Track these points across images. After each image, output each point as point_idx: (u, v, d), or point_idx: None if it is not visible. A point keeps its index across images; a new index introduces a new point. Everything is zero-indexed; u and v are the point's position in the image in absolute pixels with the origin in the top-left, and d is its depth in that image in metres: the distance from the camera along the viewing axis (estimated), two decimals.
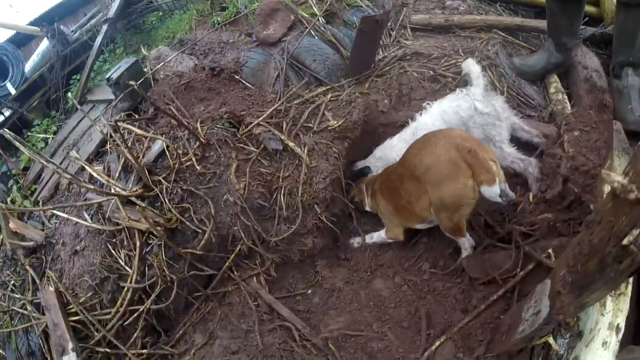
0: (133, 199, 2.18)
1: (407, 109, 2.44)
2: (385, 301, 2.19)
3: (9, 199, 2.79)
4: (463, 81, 2.45)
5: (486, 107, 2.16)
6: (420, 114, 2.29)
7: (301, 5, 2.95)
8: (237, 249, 2.22)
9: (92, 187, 2.14)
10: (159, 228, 2.07)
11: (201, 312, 2.22)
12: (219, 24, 3.04)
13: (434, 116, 2.21)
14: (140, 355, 2.09)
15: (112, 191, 2.16)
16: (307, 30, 2.68)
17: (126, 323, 2.11)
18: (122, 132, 2.46)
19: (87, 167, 2.23)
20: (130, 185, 2.25)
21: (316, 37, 2.75)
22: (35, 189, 2.76)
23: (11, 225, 2.53)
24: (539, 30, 2.78)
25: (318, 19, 2.79)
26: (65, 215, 2.26)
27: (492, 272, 1.99)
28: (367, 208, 2.44)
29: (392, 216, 2.28)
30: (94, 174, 2.22)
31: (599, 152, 2.17)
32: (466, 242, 2.09)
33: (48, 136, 2.98)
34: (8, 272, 2.55)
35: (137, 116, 2.70)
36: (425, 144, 1.92)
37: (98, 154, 2.67)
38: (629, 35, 2.19)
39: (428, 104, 2.28)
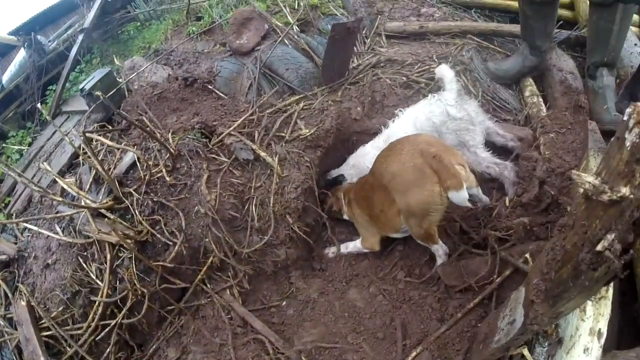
0: (103, 211, 2.16)
1: (380, 116, 2.44)
2: (361, 312, 2.17)
3: None
4: (436, 87, 2.45)
5: (459, 112, 2.15)
6: (393, 121, 2.28)
7: (276, 14, 2.94)
8: (209, 261, 2.20)
9: (61, 199, 2.12)
10: (129, 241, 2.06)
11: (174, 326, 2.20)
12: (194, 33, 3.03)
13: (406, 123, 2.21)
14: None
15: (83, 203, 2.14)
16: (280, 38, 2.67)
17: (98, 338, 2.09)
18: (93, 143, 2.45)
19: (58, 180, 2.21)
20: (101, 198, 2.24)
21: (290, 46, 2.74)
22: (9, 201, 2.73)
23: None
24: (514, 35, 2.79)
25: (292, 28, 2.78)
26: (37, 229, 2.24)
27: (469, 279, 1.97)
28: (345, 217, 2.42)
29: (369, 225, 2.26)
30: (65, 187, 2.20)
31: (575, 154, 2.15)
32: (440, 249, 2.08)
33: (23, 147, 2.96)
34: None
35: (110, 127, 2.68)
36: (391, 151, 1.91)
37: (71, 166, 2.64)
38: (603, 36, 2.18)
39: (400, 110, 2.27)
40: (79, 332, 2.10)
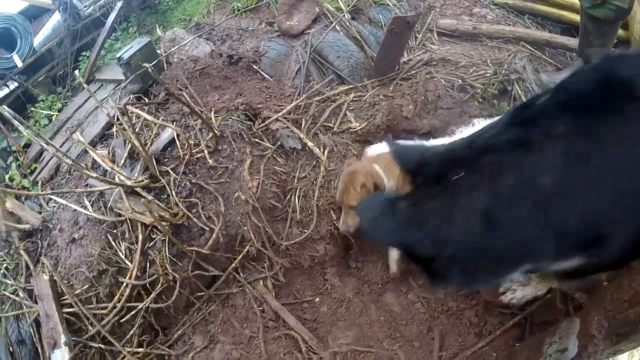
0: (138, 189, 2.06)
1: (432, 117, 2.32)
2: (397, 317, 2.08)
3: (7, 177, 2.64)
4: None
5: None
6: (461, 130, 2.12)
7: None
8: (245, 250, 2.10)
9: (94, 175, 2.00)
10: (164, 223, 1.95)
11: (202, 313, 2.10)
12: (238, 10, 2.89)
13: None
14: (136, 354, 1.97)
15: (116, 180, 2.03)
16: (333, 25, 2.55)
17: (123, 319, 1.99)
18: (130, 116, 2.33)
19: (90, 151, 2.09)
20: (136, 175, 2.12)
21: (341, 33, 2.62)
22: (35, 168, 2.61)
23: (7, 204, 2.39)
24: (567, 48, 2.70)
25: (344, 15, 2.66)
26: (65, 202, 2.13)
27: None
28: None
29: None
30: (98, 159, 2.09)
31: None
32: None
33: (52, 113, 2.83)
34: (1, 254, 2.40)
35: (146, 100, 2.56)
36: None
37: (103, 137, 2.52)
38: None
39: (479, 120, 2.12)
40: (104, 312, 2.00)
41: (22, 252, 2.22)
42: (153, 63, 2.50)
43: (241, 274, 2.14)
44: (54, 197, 2.23)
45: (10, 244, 2.35)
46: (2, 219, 2.37)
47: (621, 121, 0.98)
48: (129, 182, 1.97)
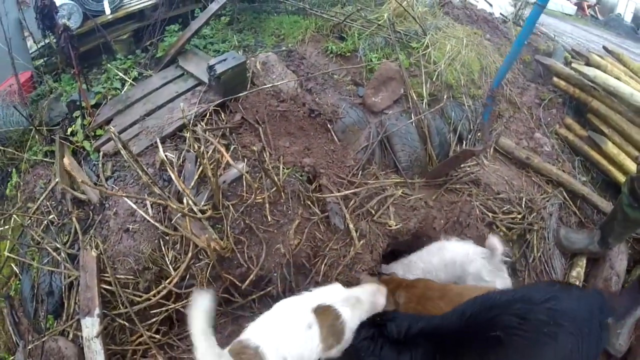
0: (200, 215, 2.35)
1: (454, 236, 2.67)
2: None
3: (69, 130, 2.76)
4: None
5: (488, 277, 2.37)
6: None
7: (414, 77, 2.96)
8: (268, 289, 2.49)
9: (170, 203, 2.23)
10: (214, 252, 2.29)
11: (214, 323, 2.52)
12: (332, 52, 2.99)
13: (453, 256, 2.43)
14: (152, 338, 2.37)
15: (185, 204, 2.31)
16: (413, 120, 2.75)
17: (152, 312, 2.38)
18: (205, 142, 2.52)
19: (169, 169, 2.32)
20: (202, 201, 2.39)
21: (413, 124, 2.83)
22: (101, 135, 2.76)
23: (65, 160, 2.53)
24: (597, 208, 3.01)
25: (424, 105, 2.85)
26: (130, 203, 2.37)
27: None
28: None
29: None
30: (174, 178, 2.31)
31: None
32: None
33: (126, 79, 2.92)
34: (48, 203, 2.61)
35: (222, 113, 2.72)
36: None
37: (174, 136, 2.70)
38: None
39: (458, 240, 2.51)
40: (137, 298, 2.35)
41: (74, 219, 2.46)
42: (240, 82, 2.67)
43: (257, 305, 2.56)
44: (118, 193, 2.43)
45: (60, 202, 2.60)
46: (59, 176, 2.58)
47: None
48: (198, 215, 2.26)
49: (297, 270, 2.52)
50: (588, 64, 3.73)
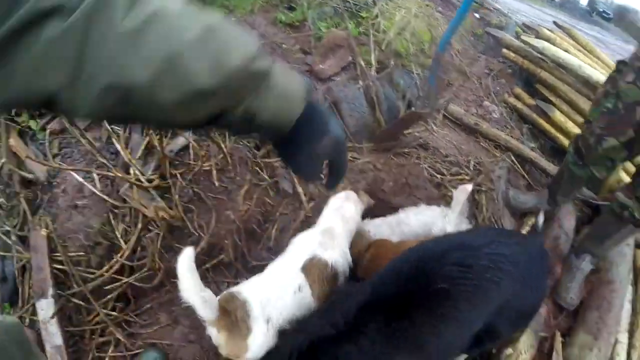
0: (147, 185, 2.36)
1: (405, 198, 2.75)
2: None
3: (13, 110, 2.72)
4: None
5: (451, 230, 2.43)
6: (410, 210, 2.53)
7: (362, 45, 3.00)
8: (221, 258, 2.52)
9: (116, 173, 2.24)
10: (163, 222, 2.31)
11: (170, 295, 2.54)
12: (281, 22, 3.00)
13: (413, 218, 2.48)
14: (109, 316, 2.39)
15: (132, 174, 2.31)
16: (360, 85, 2.79)
17: (105, 287, 2.38)
18: None
19: (115, 141, 2.32)
20: (149, 171, 2.40)
21: (361, 89, 2.87)
22: (46, 113, 2.72)
23: (11, 141, 2.52)
24: (545, 172, 3.12)
25: (372, 72, 2.89)
26: (75, 176, 2.36)
27: None
28: None
29: None
30: (120, 149, 2.33)
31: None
32: None
33: None
34: None
35: None
36: None
37: None
38: (604, 235, 2.51)
39: (419, 205, 2.55)
40: (90, 276, 2.34)
41: (22, 199, 2.44)
42: None
43: (211, 273, 2.59)
44: (63, 166, 2.42)
45: (8, 185, 2.56)
46: (4, 156, 2.54)
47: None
48: (145, 184, 2.27)
49: (249, 237, 2.55)
50: (538, 37, 3.85)
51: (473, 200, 2.84)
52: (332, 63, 2.82)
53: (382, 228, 2.52)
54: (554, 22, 4.16)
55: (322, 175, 0.96)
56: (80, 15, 0.54)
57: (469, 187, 2.49)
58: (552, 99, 3.45)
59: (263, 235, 2.59)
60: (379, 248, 2.28)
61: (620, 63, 2.07)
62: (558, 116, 3.35)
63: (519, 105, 3.49)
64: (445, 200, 2.75)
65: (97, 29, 0.55)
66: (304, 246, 2.07)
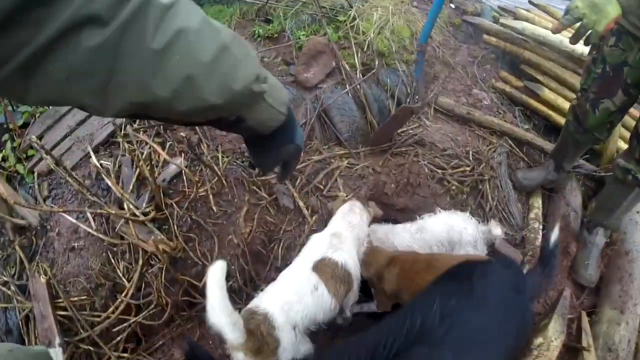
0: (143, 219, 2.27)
1: (408, 199, 2.69)
2: None
3: (0, 155, 2.66)
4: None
5: (480, 247, 2.33)
6: (430, 216, 2.42)
7: (344, 49, 2.96)
8: (229, 284, 2.44)
9: (109, 210, 2.17)
10: (164, 255, 2.23)
11: (182, 328, 2.46)
12: (259, 36, 2.95)
13: (441, 225, 2.35)
14: (121, 358, 2.30)
15: (126, 209, 2.23)
16: (347, 89, 2.75)
17: (114, 329, 2.29)
18: (139, 143, 2.45)
19: (105, 177, 2.24)
20: (143, 203, 2.32)
21: (349, 94, 2.83)
22: (32, 155, 2.65)
23: (0, 187, 2.46)
24: (542, 151, 3.09)
25: (357, 75, 2.85)
26: (69, 218, 2.28)
27: None
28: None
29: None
30: (111, 185, 2.25)
31: (544, 301, 2.51)
32: None
33: None
34: None
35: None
36: None
37: (107, 143, 2.61)
38: (612, 205, 2.51)
39: (440, 210, 2.44)
40: (97, 319, 2.27)
41: (17, 247, 2.36)
42: None
43: None
44: (55, 209, 2.35)
45: (1, 233, 2.47)
46: None
47: None
48: (140, 217, 2.19)
49: (255, 259, 2.48)
50: (516, 18, 3.84)
51: (478, 191, 2.80)
52: (316, 71, 2.77)
53: (403, 236, 2.40)
54: (529, 1, 4.17)
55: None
56: (117, 26, 0.56)
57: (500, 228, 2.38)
58: (539, 77, 3.43)
59: (269, 255, 2.52)
60: (404, 264, 2.15)
61: None
62: (547, 94, 3.34)
63: (508, 88, 3.47)
64: (449, 194, 2.70)
65: (129, 42, 0.57)
66: (313, 248, 2.06)
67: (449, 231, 2.33)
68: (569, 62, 3.40)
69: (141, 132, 2.48)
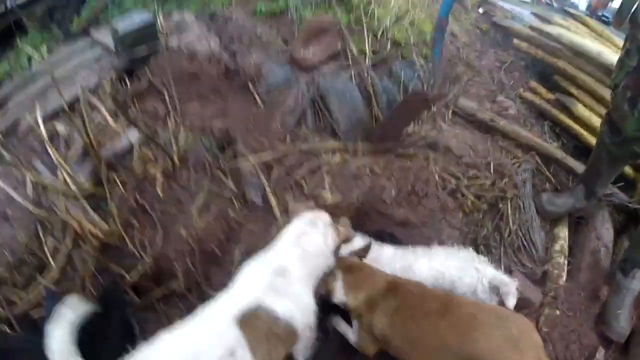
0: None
1: (410, 211, 2.16)
2: None
3: None
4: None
5: (484, 294, 1.76)
6: (422, 252, 1.88)
7: (355, 34, 2.56)
8: (170, 290, 2.00)
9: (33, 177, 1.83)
10: (95, 241, 1.85)
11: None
12: (261, 12, 2.63)
13: (439, 263, 1.82)
14: None
15: (59, 179, 1.90)
16: (352, 75, 2.32)
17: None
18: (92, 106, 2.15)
19: (46, 143, 1.94)
20: (86, 175, 1.98)
21: (354, 82, 2.40)
22: None
23: None
24: (571, 172, 2.57)
25: (366, 62, 2.42)
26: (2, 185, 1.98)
27: None
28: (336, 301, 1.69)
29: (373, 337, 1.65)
30: (50, 151, 1.93)
31: (567, 346, 1.99)
32: None
33: (36, 55, 2.59)
34: None
35: (128, 82, 2.35)
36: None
37: (70, 108, 2.32)
38: None
39: (433, 248, 1.90)
40: (17, 299, 1.91)
41: None
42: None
43: (161, 305, 2.06)
44: None
45: None
46: None
47: None
48: (74, 192, 1.84)
49: (206, 259, 2.03)
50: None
51: (497, 210, 2.24)
52: (316, 50, 2.38)
53: (394, 261, 1.84)
54: (564, 9, 3.71)
55: None
56: None
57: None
58: (573, 91, 2.91)
59: (225, 257, 2.06)
60: (408, 296, 1.59)
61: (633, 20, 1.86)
62: (581, 110, 2.80)
63: (537, 100, 2.97)
64: (462, 210, 2.15)
65: None
66: (243, 288, 1.41)
67: (438, 279, 1.77)
68: (606, 77, 2.82)
69: (109, 100, 2.17)
